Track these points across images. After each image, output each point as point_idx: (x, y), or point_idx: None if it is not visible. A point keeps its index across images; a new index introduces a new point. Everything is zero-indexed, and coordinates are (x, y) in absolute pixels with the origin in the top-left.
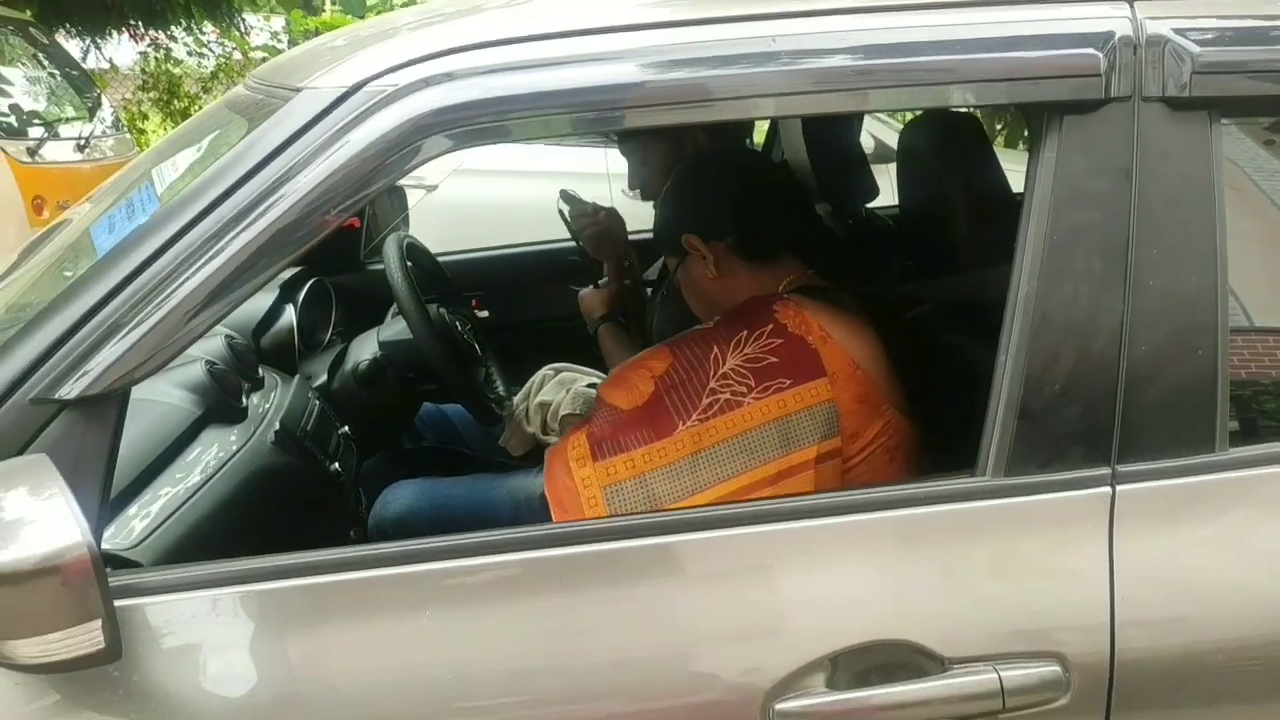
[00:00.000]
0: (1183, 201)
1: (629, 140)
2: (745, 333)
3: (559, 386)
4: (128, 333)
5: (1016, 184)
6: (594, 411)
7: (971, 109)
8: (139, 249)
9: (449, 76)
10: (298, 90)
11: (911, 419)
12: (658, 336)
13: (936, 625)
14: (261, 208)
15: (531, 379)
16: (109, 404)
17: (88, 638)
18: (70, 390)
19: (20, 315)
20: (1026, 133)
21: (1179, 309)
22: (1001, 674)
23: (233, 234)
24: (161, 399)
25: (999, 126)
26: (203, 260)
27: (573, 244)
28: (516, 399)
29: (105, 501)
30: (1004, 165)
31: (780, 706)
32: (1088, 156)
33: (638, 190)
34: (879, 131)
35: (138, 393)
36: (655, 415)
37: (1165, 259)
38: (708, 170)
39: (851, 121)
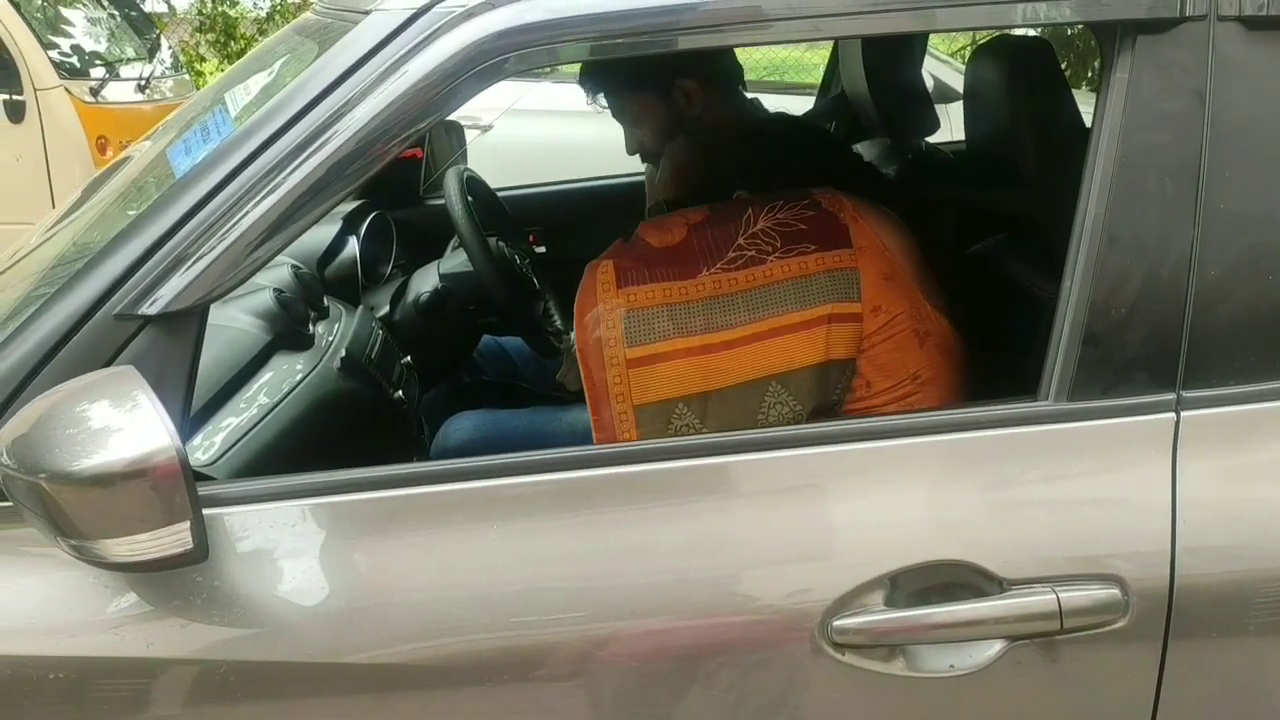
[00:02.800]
0: (1257, 125)
1: (619, 108)
2: (782, 201)
3: None
4: (207, 251)
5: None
6: (628, 244)
7: (1043, 31)
8: (214, 171)
9: None
10: (366, 13)
11: (952, 324)
12: None
13: (996, 547)
14: (339, 121)
15: None
16: (190, 320)
17: (176, 538)
18: (153, 306)
19: (90, 246)
20: (1096, 63)
21: (1250, 234)
22: (1060, 595)
23: (304, 155)
24: (232, 324)
25: (1063, 66)
26: (279, 180)
27: (627, 180)
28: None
29: (187, 413)
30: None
31: (839, 623)
32: (1160, 78)
33: (637, 154)
34: (939, 71)
35: (210, 318)
36: (682, 257)
37: (1237, 183)
38: (702, 138)
39: (913, 52)
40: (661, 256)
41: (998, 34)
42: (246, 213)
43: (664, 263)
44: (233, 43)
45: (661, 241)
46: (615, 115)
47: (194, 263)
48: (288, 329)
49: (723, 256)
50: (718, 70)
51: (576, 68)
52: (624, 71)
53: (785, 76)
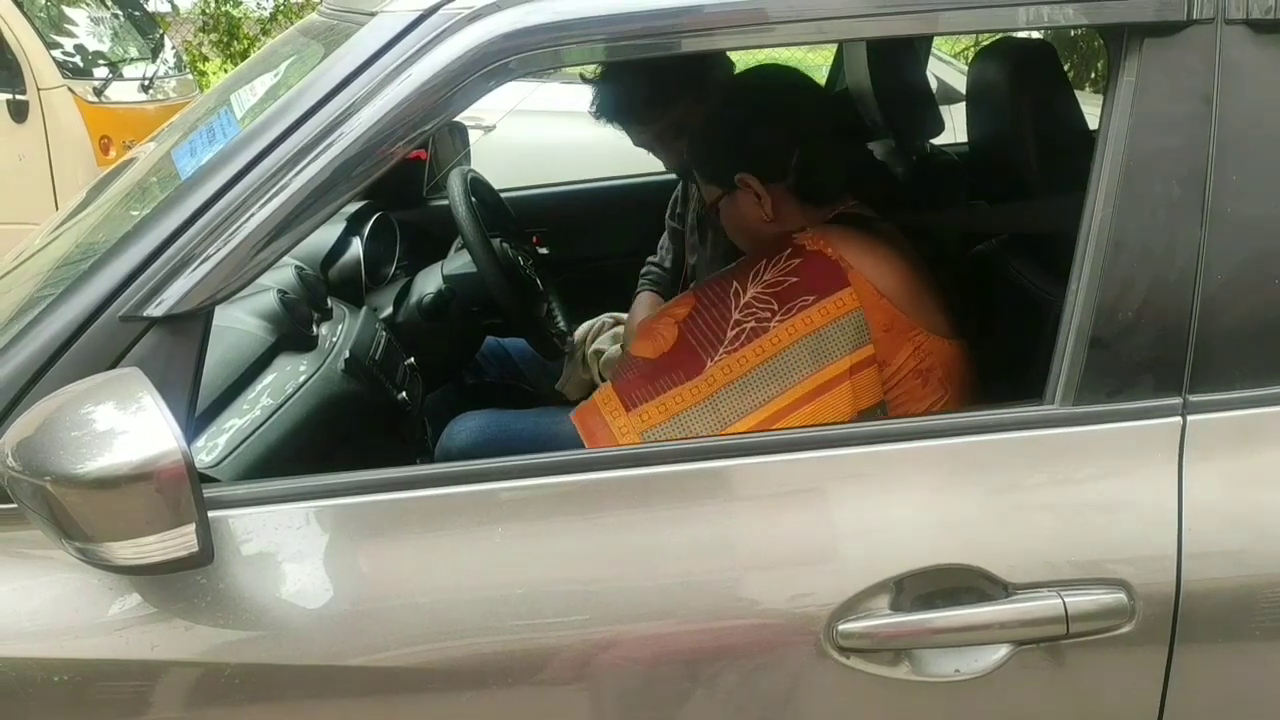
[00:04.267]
0: (1264, 128)
1: (657, 126)
2: (764, 262)
3: (614, 339)
4: (213, 253)
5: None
6: (622, 367)
7: (1047, 33)
8: (220, 173)
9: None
10: (372, 14)
11: (954, 341)
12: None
13: (1002, 552)
14: (345, 123)
15: (594, 321)
16: (195, 322)
17: (181, 541)
18: (158, 308)
19: (95, 247)
20: (1100, 65)
21: (1257, 237)
22: (1066, 600)
23: (311, 157)
24: (237, 326)
25: (1065, 67)
26: (284, 181)
27: (631, 181)
28: (577, 334)
29: (192, 415)
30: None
31: (844, 627)
32: (1167, 81)
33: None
34: (943, 72)
35: (214, 319)
36: (683, 357)
37: (1244, 187)
38: (767, 108)
39: (917, 53)
40: (661, 365)
41: (1000, 36)
42: (252, 215)
43: (666, 370)
44: (236, 43)
45: (656, 350)
46: (653, 139)
47: (199, 265)
48: (292, 330)
49: (723, 339)
50: (725, 55)
51: (582, 69)
52: (658, 82)
53: None
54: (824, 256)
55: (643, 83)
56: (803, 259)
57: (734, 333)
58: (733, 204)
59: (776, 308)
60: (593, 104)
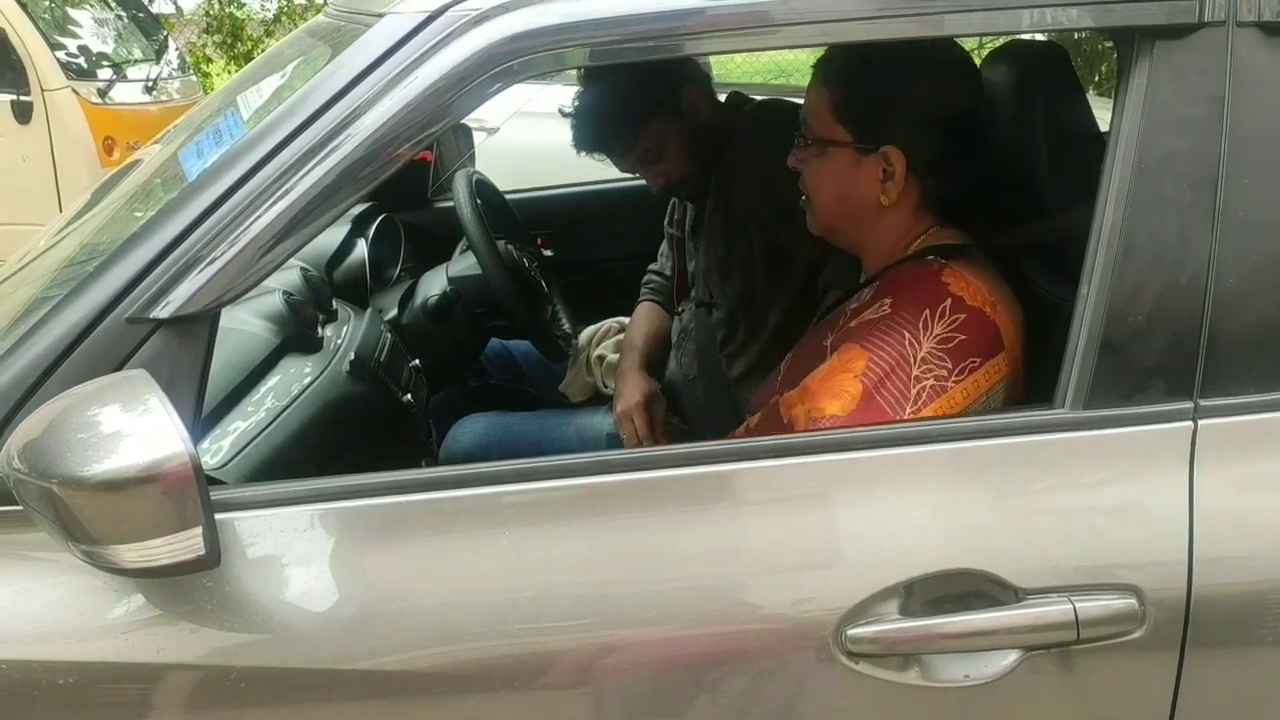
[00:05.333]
0: (1276, 131)
1: (634, 147)
2: (928, 312)
3: (617, 346)
4: (219, 255)
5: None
6: (810, 430)
7: (1056, 36)
8: (226, 174)
9: (525, 1)
10: (380, 16)
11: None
12: (708, 274)
13: (1012, 557)
14: (352, 125)
15: (599, 324)
16: (202, 324)
17: (188, 544)
18: (165, 310)
19: (101, 248)
20: (1105, 68)
21: (1269, 240)
22: (1076, 605)
23: (317, 159)
24: (242, 327)
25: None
26: (291, 183)
27: (635, 184)
28: (582, 338)
29: (198, 417)
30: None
31: (853, 632)
32: (1179, 84)
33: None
34: None
35: (220, 321)
36: (873, 413)
37: (1256, 190)
38: (970, 114)
39: None
40: (854, 423)
41: (1010, 38)
42: (259, 216)
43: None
44: (239, 44)
45: (845, 408)
46: (635, 163)
47: (206, 266)
48: (297, 332)
49: (909, 397)
50: (698, 68)
51: (561, 105)
52: (628, 108)
53: (791, 80)
54: (983, 316)
55: (615, 110)
56: (967, 315)
57: (917, 390)
58: (855, 164)
59: (951, 366)
60: (572, 139)
